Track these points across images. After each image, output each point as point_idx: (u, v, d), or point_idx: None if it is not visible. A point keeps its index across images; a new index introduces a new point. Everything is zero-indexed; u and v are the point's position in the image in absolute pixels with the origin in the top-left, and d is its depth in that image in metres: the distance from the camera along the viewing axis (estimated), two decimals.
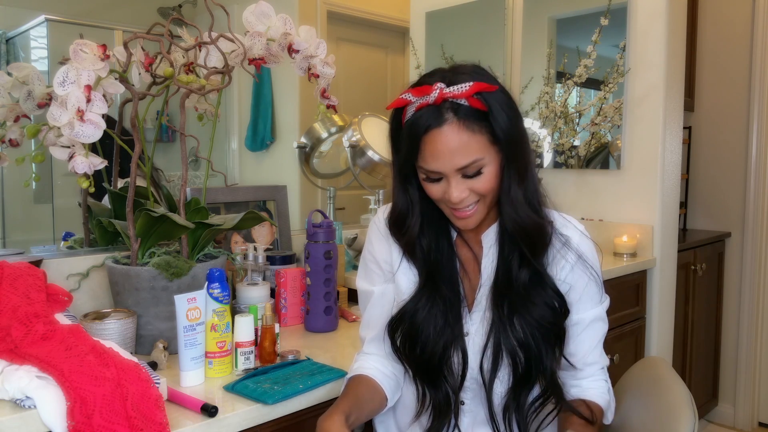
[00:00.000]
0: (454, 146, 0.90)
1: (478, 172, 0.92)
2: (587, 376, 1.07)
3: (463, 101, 0.90)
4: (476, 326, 1.02)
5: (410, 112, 0.93)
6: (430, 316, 1.01)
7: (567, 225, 1.04)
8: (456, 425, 1.02)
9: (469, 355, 1.01)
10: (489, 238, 1.03)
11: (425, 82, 0.93)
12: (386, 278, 1.10)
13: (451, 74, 0.93)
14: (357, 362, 1.11)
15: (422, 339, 1.00)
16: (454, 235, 1.07)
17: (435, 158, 0.91)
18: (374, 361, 1.09)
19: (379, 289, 1.11)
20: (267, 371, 1.15)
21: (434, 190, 0.96)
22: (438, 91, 0.90)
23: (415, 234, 1.03)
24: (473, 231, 1.05)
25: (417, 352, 1.01)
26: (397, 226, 1.05)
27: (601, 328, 1.07)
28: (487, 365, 1.00)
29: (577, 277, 1.02)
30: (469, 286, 1.05)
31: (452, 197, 0.93)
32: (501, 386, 1.00)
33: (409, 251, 1.05)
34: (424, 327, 1.00)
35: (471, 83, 0.90)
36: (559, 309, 1.00)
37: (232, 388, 1.08)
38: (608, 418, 1.09)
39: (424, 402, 1.02)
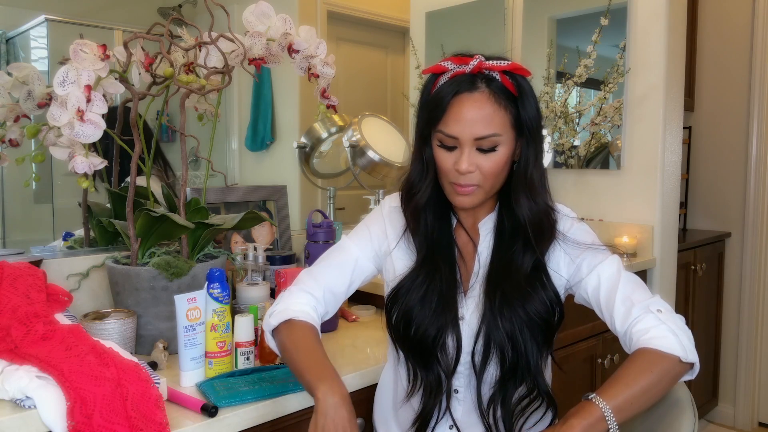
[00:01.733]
0: (478, 114, 0.94)
1: (492, 149, 0.96)
2: (632, 327, 0.93)
3: (497, 76, 0.95)
4: (471, 311, 1.02)
5: (443, 79, 0.98)
6: (426, 295, 1.00)
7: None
8: (447, 408, 1.00)
9: (463, 339, 1.00)
10: (486, 226, 1.06)
11: (465, 54, 0.98)
12: (370, 253, 1.11)
13: (490, 55, 0.98)
14: (298, 304, 1.03)
15: (417, 320, 0.99)
16: (454, 222, 1.08)
17: (457, 122, 0.95)
18: (312, 304, 1.04)
19: (358, 253, 1.11)
20: (250, 372, 1.14)
21: (445, 158, 0.98)
22: (477, 61, 0.95)
23: (423, 202, 1.04)
24: (471, 219, 1.07)
25: (411, 333, 1.00)
26: (408, 191, 1.06)
27: (624, 283, 0.97)
28: (479, 351, 0.99)
29: (580, 257, 1.02)
30: (465, 272, 1.06)
31: (461, 166, 0.95)
32: (491, 376, 0.99)
33: (414, 221, 1.05)
34: (420, 307, 1.00)
35: (510, 61, 0.96)
36: (552, 309, 0.99)
37: (201, 385, 1.08)
38: (686, 356, 0.88)
39: (416, 383, 1.01)
